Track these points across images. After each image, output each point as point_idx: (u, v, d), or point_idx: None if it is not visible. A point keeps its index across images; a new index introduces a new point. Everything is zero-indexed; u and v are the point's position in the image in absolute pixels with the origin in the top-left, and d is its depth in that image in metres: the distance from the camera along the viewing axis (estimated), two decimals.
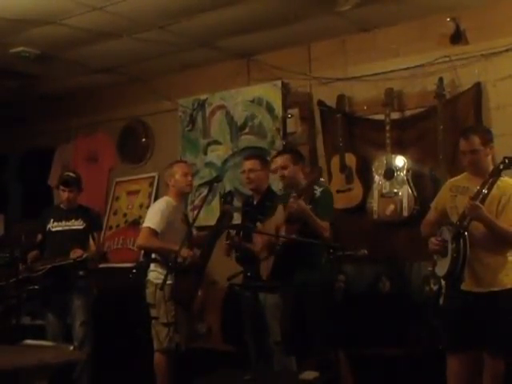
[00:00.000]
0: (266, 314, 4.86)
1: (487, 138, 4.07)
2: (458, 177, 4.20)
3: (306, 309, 4.49)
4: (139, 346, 5.27)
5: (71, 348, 3.86)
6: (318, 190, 4.61)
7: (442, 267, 3.99)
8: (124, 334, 5.78)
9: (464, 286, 3.97)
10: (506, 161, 3.91)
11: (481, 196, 3.88)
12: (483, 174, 3.99)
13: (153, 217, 5.01)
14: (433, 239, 4.06)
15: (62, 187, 5.51)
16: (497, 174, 3.92)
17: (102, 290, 5.56)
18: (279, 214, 4.62)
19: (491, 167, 4.03)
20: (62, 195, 5.53)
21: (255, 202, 5.16)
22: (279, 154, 5.00)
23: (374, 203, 5.50)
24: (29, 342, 3.65)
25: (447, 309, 4.22)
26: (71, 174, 5.61)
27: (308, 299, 4.49)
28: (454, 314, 4.08)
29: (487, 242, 3.93)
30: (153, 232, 4.94)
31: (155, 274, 5.00)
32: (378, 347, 4.61)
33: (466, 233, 3.88)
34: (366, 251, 4.58)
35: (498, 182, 3.96)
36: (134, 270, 5.08)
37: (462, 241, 3.87)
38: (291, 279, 4.53)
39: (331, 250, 4.32)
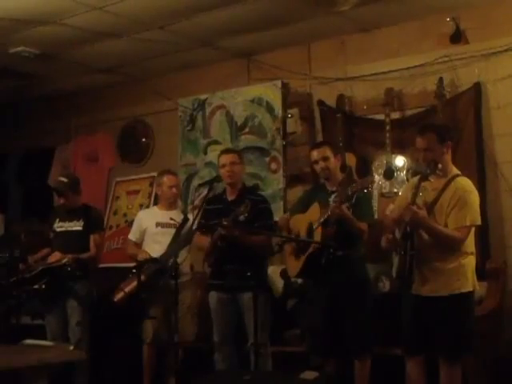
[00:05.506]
0: (245, 316, 4.71)
1: (445, 136, 3.97)
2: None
3: (344, 308, 4.38)
4: (140, 346, 5.27)
5: (71, 348, 3.86)
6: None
7: (395, 268, 3.95)
8: (125, 334, 5.77)
9: (414, 289, 3.92)
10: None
11: (416, 198, 3.81)
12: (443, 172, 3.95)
13: (132, 228, 5.62)
14: (384, 237, 4.02)
15: (56, 194, 5.51)
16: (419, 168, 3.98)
17: (102, 290, 5.55)
18: (314, 212, 4.41)
19: (450, 166, 4.00)
20: (59, 200, 5.52)
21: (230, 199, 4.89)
22: (319, 145, 4.75)
23: (374, 203, 5.49)
24: (29, 341, 3.65)
25: (403, 311, 4.11)
26: (63, 180, 5.51)
27: (346, 298, 4.38)
28: (406, 317, 4.02)
29: (437, 246, 3.85)
30: (130, 242, 5.55)
31: None
32: (378, 347, 4.60)
33: (413, 233, 3.81)
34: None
35: (453, 183, 3.90)
36: (134, 270, 5.07)
37: (409, 241, 3.80)
38: (326, 278, 4.39)
39: (331, 250, 4.31)
